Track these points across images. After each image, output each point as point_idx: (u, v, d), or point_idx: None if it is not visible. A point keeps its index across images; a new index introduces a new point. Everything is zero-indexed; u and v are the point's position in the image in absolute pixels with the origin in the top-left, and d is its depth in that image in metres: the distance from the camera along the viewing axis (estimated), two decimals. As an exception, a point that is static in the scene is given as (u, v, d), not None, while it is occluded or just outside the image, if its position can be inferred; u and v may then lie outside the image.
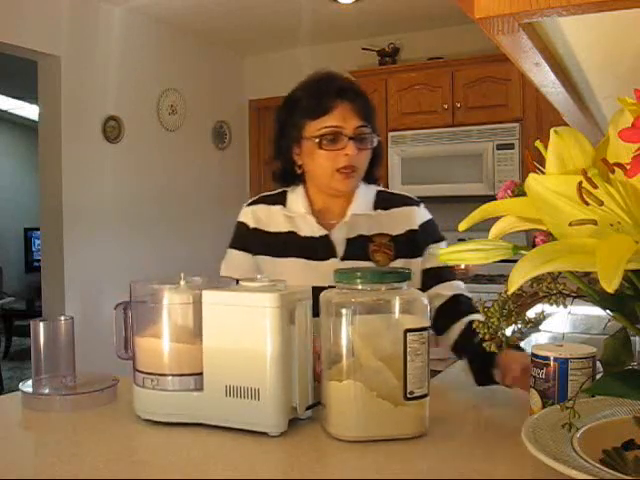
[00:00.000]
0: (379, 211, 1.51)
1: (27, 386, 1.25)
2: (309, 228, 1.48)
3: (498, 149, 3.99)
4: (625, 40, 0.81)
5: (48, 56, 3.78)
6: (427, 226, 1.53)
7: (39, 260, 4.71)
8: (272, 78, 5.14)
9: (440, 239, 1.54)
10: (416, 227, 1.50)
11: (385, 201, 1.53)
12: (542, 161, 0.69)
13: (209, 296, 1.06)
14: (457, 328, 1.41)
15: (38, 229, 4.47)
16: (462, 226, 0.73)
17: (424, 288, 1.45)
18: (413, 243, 1.49)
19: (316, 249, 1.46)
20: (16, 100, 7.07)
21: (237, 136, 5.21)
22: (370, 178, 1.54)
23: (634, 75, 0.93)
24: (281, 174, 1.55)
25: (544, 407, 1.00)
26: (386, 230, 1.49)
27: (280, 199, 1.54)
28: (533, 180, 0.66)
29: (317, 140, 1.42)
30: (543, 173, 0.68)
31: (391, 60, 4.58)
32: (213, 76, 4.98)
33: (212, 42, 4.89)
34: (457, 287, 1.49)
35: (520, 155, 3.93)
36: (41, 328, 1.28)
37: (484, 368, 1.29)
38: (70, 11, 3.83)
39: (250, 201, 1.58)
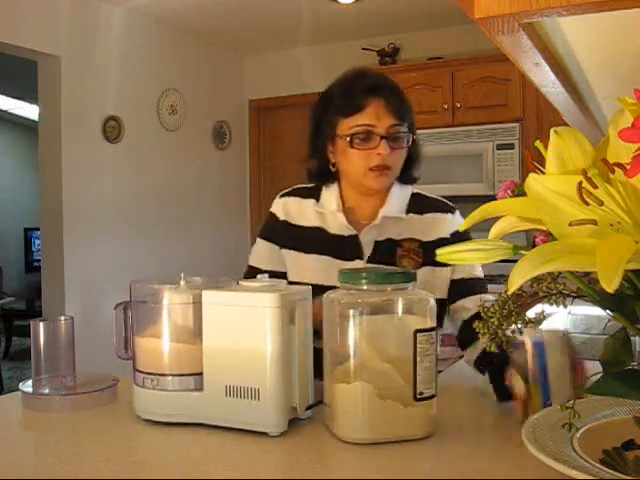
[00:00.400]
0: (411, 215, 1.48)
1: (27, 386, 1.25)
2: (338, 226, 1.46)
3: (498, 149, 3.99)
4: (625, 40, 0.81)
5: (48, 56, 3.78)
6: (460, 235, 1.44)
7: (39, 260, 4.71)
8: (272, 78, 5.15)
9: None
10: (448, 235, 1.45)
11: (419, 205, 1.49)
12: (542, 161, 0.69)
13: (209, 296, 1.06)
14: (480, 345, 1.35)
15: (38, 229, 4.47)
16: (462, 226, 0.73)
17: (450, 299, 1.43)
18: None
19: (343, 248, 1.44)
20: (16, 100, 7.07)
21: (237, 136, 5.21)
22: (406, 178, 1.50)
23: (634, 75, 0.93)
24: (317, 172, 1.52)
25: (527, 391, 1.01)
26: (416, 235, 1.45)
27: (314, 193, 1.52)
28: (533, 180, 0.66)
29: (349, 139, 1.39)
30: (543, 173, 0.68)
31: (391, 60, 4.58)
32: (213, 76, 4.98)
33: (212, 42, 4.89)
34: (484, 302, 1.44)
35: (520, 155, 3.92)
36: (41, 328, 1.28)
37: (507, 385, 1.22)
38: (70, 11, 3.83)
39: (284, 192, 1.56)
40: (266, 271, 1.41)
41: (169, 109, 4.59)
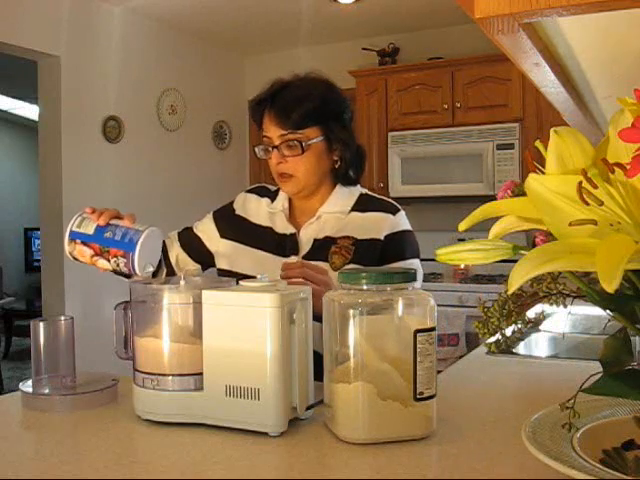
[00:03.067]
0: (353, 213, 1.50)
1: (27, 386, 1.25)
2: (282, 225, 1.53)
3: (498, 149, 3.99)
4: (625, 40, 0.81)
5: (48, 56, 3.78)
6: (395, 239, 1.47)
7: (39, 260, 4.71)
8: (272, 78, 5.14)
9: (406, 256, 1.46)
10: (381, 237, 1.46)
11: (364, 204, 1.52)
12: (542, 161, 0.69)
13: (209, 296, 1.06)
14: None
15: (38, 229, 4.47)
16: (462, 226, 0.73)
17: None
18: (374, 253, 1.45)
19: (284, 246, 1.50)
20: (16, 100, 7.07)
21: (237, 136, 5.21)
22: (343, 181, 1.53)
23: (634, 75, 0.93)
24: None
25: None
26: (353, 233, 1.46)
27: (272, 194, 1.60)
28: (533, 180, 0.66)
29: (257, 149, 1.51)
30: (543, 173, 0.68)
31: (391, 60, 4.58)
32: (213, 76, 4.98)
33: (212, 42, 4.89)
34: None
35: (520, 155, 3.93)
36: (41, 328, 1.28)
37: None
38: (70, 11, 3.83)
39: (249, 188, 1.68)
40: (197, 236, 1.60)
41: (169, 109, 4.59)
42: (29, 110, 7.11)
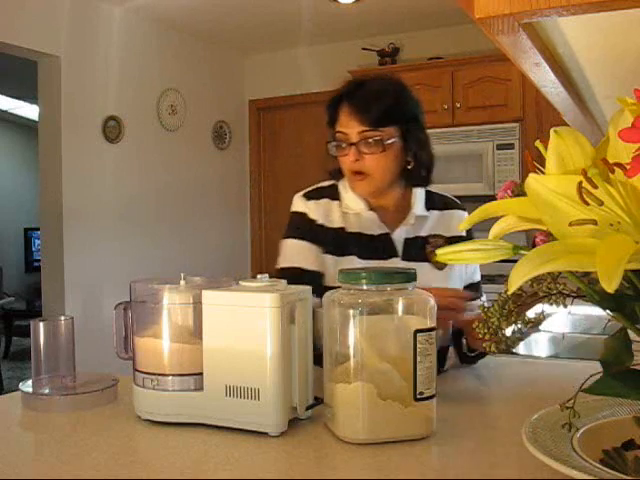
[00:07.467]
0: (433, 212, 1.52)
1: (27, 386, 1.25)
2: (369, 226, 1.46)
3: (498, 149, 3.99)
4: (625, 40, 0.81)
5: (48, 56, 3.79)
6: (470, 232, 1.48)
7: (39, 260, 4.71)
8: (272, 78, 5.15)
9: None
10: (464, 234, 1.47)
11: (436, 202, 1.54)
12: (542, 161, 0.69)
13: (209, 296, 1.06)
14: None
15: (38, 229, 4.47)
16: (462, 226, 0.73)
17: None
18: None
19: (376, 248, 1.45)
20: (16, 100, 7.07)
21: (237, 136, 5.21)
22: (415, 180, 1.51)
23: (634, 75, 0.93)
24: (334, 171, 1.53)
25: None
26: (439, 232, 1.49)
27: (336, 193, 1.51)
28: (533, 180, 0.66)
29: (329, 146, 1.45)
30: (543, 173, 0.68)
31: (391, 60, 4.58)
32: (213, 76, 4.98)
33: (212, 42, 4.88)
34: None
35: (520, 155, 3.93)
36: (41, 328, 1.28)
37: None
38: (70, 11, 3.83)
39: (306, 192, 1.53)
40: (313, 271, 1.42)
41: (169, 109, 4.59)
42: (29, 110, 7.10)
